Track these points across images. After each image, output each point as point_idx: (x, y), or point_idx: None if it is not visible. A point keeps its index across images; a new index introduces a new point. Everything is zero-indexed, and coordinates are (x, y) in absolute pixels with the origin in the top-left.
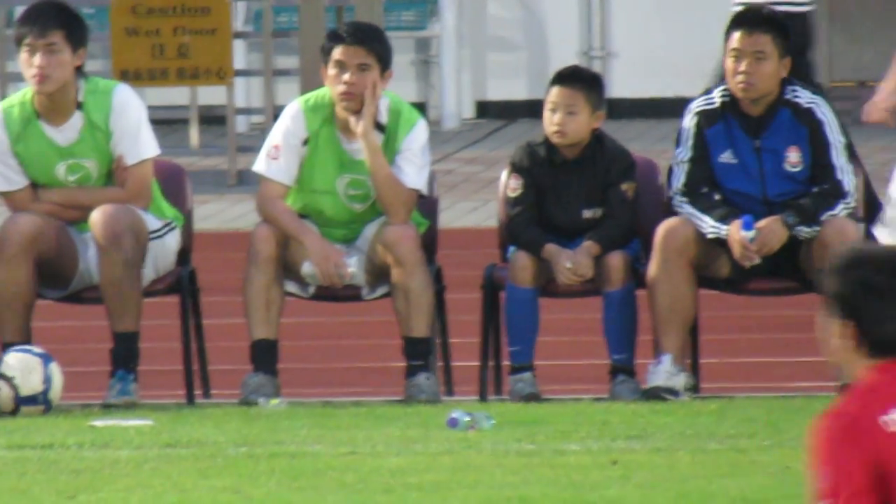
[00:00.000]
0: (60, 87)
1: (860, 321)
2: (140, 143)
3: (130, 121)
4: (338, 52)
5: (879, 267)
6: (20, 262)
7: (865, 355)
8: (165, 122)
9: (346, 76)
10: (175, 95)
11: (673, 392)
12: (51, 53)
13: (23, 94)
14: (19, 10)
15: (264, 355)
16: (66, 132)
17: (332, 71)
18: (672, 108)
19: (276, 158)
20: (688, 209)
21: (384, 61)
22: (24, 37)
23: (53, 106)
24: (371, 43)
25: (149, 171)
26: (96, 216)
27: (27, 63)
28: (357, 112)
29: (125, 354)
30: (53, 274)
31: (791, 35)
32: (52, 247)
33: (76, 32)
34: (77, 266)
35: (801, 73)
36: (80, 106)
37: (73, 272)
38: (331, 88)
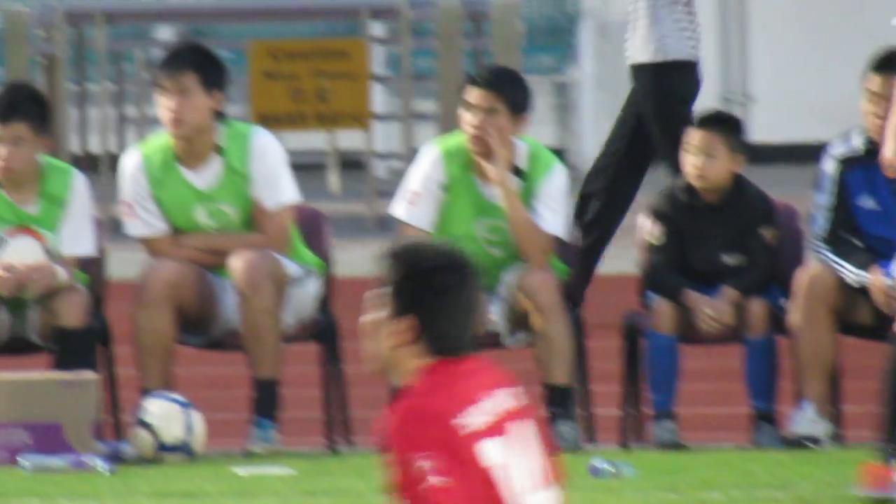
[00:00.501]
0: (197, 130)
1: (420, 317)
2: (280, 188)
3: (270, 165)
4: (470, 96)
5: (440, 262)
6: (161, 308)
7: (424, 353)
8: (304, 168)
9: (474, 119)
10: (314, 140)
11: (815, 440)
12: (184, 96)
13: (163, 138)
14: (157, 54)
15: None
16: (206, 176)
17: (463, 114)
18: (812, 152)
19: (414, 203)
20: (829, 256)
21: (515, 106)
22: (158, 80)
23: (192, 150)
24: (500, 87)
25: (289, 217)
26: (236, 262)
27: (162, 107)
28: (486, 156)
29: (266, 402)
30: (194, 320)
31: None
32: (193, 293)
33: (211, 75)
34: (217, 312)
35: None
36: (218, 150)
37: (213, 318)
38: (464, 132)
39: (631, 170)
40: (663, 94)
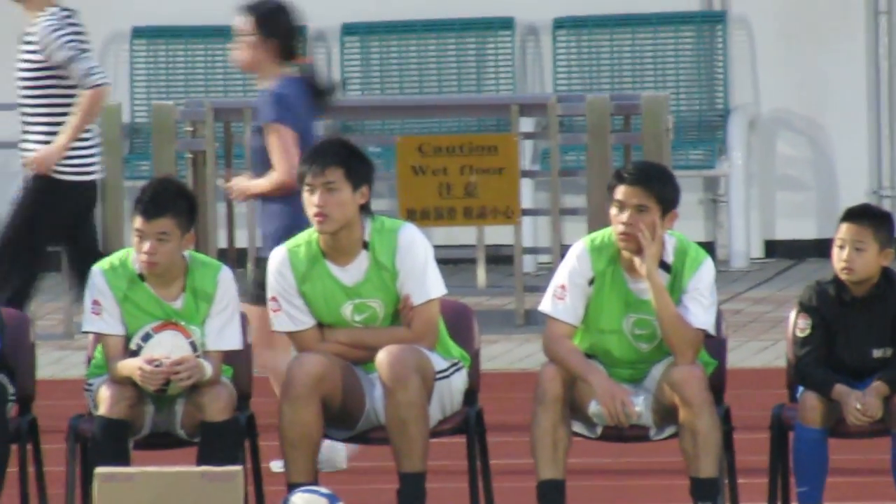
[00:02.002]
0: (343, 226)
1: None
2: (427, 283)
3: (417, 260)
4: (619, 192)
5: None
6: (307, 402)
7: None
8: (452, 262)
9: (624, 216)
10: (462, 235)
11: None
12: (329, 192)
13: (309, 233)
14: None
15: (551, 495)
16: (352, 272)
17: (613, 210)
18: None
19: (562, 298)
20: None
21: (666, 202)
22: (304, 175)
23: (339, 245)
24: (651, 184)
25: (435, 311)
26: (382, 357)
27: (308, 202)
28: (636, 252)
29: (412, 495)
30: (340, 414)
31: None
32: (339, 387)
33: (357, 170)
34: (364, 406)
35: None
36: (366, 245)
37: (359, 412)
38: (613, 228)
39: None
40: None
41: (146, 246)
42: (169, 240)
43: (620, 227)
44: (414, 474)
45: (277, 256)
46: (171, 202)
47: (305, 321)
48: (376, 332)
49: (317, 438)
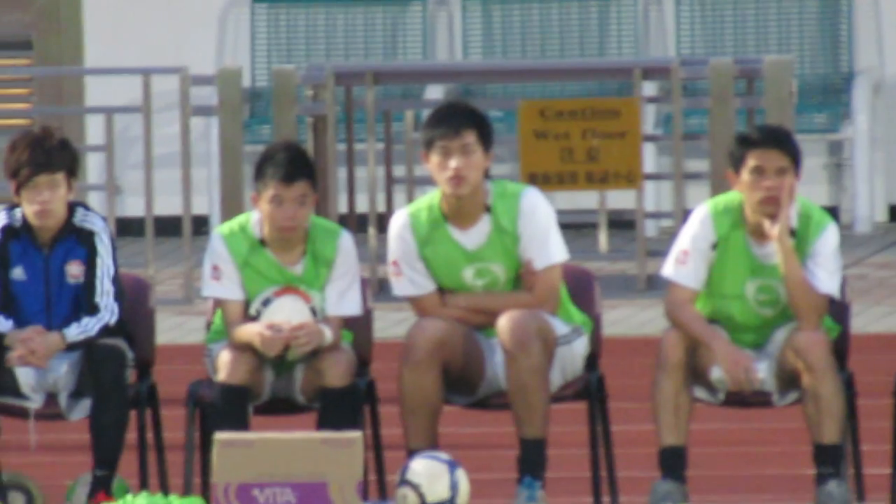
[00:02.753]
0: (475, 189)
1: None
2: (549, 248)
3: (539, 225)
4: (755, 157)
5: None
6: (427, 368)
7: None
8: (574, 227)
9: (767, 182)
10: (583, 199)
11: None
12: (466, 154)
13: (430, 197)
14: (426, 114)
15: (673, 462)
16: (474, 236)
17: (748, 177)
18: None
19: (684, 263)
20: None
21: (797, 165)
22: (436, 139)
23: (462, 209)
24: (788, 146)
25: (557, 276)
26: (504, 322)
27: (440, 166)
28: (774, 216)
29: (532, 461)
30: (460, 380)
31: None
32: (459, 353)
33: (487, 133)
34: (484, 372)
35: None
36: (488, 209)
37: (480, 378)
38: (746, 194)
39: None
40: None
41: (286, 210)
42: (307, 202)
43: (762, 193)
44: (535, 440)
45: (399, 220)
46: (307, 165)
47: (426, 285)
48: (498, 297)
49: (437, 404)
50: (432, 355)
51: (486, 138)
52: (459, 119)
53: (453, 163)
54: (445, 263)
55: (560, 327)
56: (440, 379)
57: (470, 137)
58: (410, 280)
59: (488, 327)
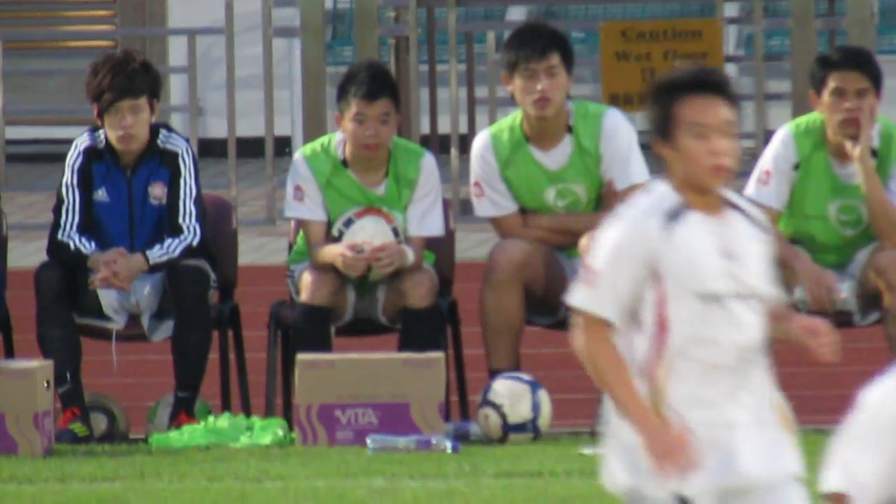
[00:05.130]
0: (556, 110)
1: None
2: (630, 168)
3: (621, 146)
4: (836, 79)
5: None
6: (509, 288)
7: None
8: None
9: (847, 103)
10: None
11: None
12: (551, 77)
13: (512, 118)
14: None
15: None
16: (556, 156)
17: (829, 98)
18: None
19: (766, 183)
20: None
21: (879, 85)
22: (520, 61)
23: (544, 130)
24: (869, 67)
25: None
26: (585, 242)
27: (524, 88)
28: (855, 137)
29: None
30: (542, 300)
31: None
32: (541, 273)
33: (570, 54)
34: (566, 292)
35: None
36: (570, 130)
37: (562, 299)
38: (827, 115)
39: None
40: None
41: (369, 128)
42: (389, 121)
43: (843, 114)
44: None
45: (481, 141)
46: (389, 84)
47: (508, 206)
48: (580, 217)
49: (519, 325)
50: (514, 276)
51: (568, 60)
52: (544, 41)
53: (539, 85)
54: (527, 184)
55: None
56: (522, 300)
57: (554, 59)
58: (492, 201)
59: (570, 248)
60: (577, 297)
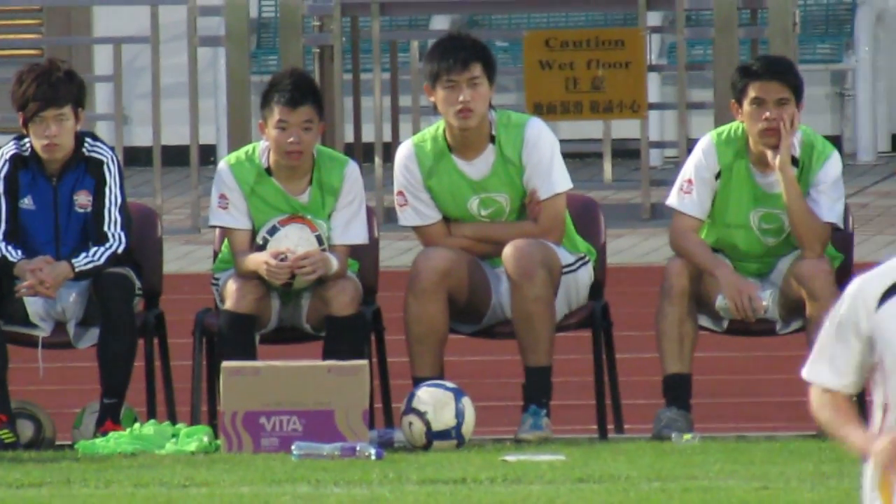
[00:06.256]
0: (479, 121)
1: None
2: (553, 177)
3: (544, 154)
4: (756, 89)
5: None
6: (433, 297)
7: None
8: (578, 156)
9: (767, 113)
10: (588, 129)
11: None
12: (473, 87)
13: (435, 128)
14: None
15: (677, 389)
16: (479, 166)
17: (749, 107)
18: None
19: (688, 192)
20: None
21: (800, 94)
22: (442, 72)
23: (467, 140)
24: (788, 76)
25: (562, 206)
26: (509, 251)
27: (447, 99)
28: (775, 147)
29: (537, 389)
30: (466, 309)
31: None
32: (465, 282)
33: (492, 64)
34: (490, 301)
35: None
36: (493, 140)
37: (485, 307)
38: (747, 124)
39: None
40: None
41: (291, 136)
42: (312, 128)
43: (763, 124)
44: (540, 368)
45: (404, 151)
46: (312, 91)
47: (432, 215)
48: (503, 227)
49: (443, 333)
50: (438, 284)
51: (490, 70)
52: (466, 52)
53: (462, 96)
54: (451, 194)
55: (565, 256)
56: (446, 308)
57: (476, 70)
58: (416, 210)
59: (493, 257)
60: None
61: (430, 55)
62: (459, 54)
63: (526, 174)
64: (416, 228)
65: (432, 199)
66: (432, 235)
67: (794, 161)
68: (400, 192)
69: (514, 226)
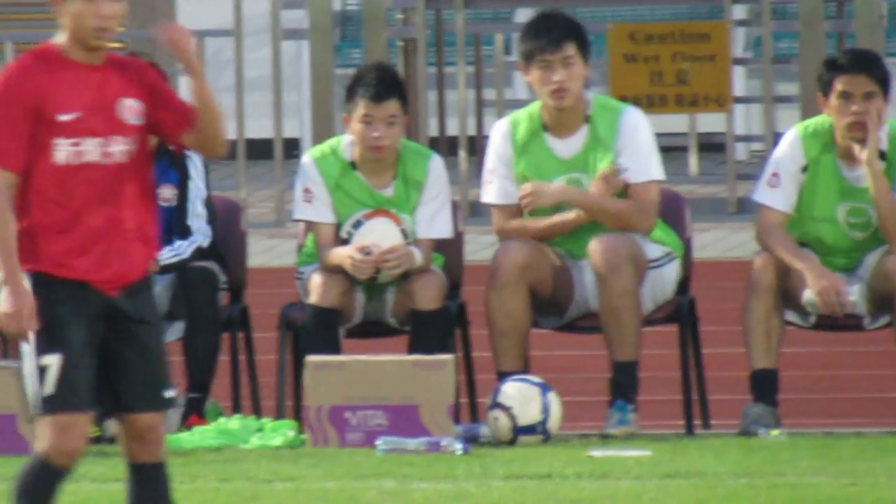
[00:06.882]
0: (574, 100)
1: None
2: (650, 164)
3: (642, 140)
4: (843, 82)
5: None
6: (514, 290)
7: None
8: (664, 150)
9: (854, 106)
10: (673, 122)
11: None
12: (567, 67)
13: (530, 107)
14: (517, 37)
15: (764, 385)
16: (570, 144)
17: (836, 101)
18: None
19: (775, 186)
20: None
21: (887, 88)
22: (535, 52)
23: (562, 119)
24: (875, 70)
25: (655, 193)
26: (595, 245)
27: (541, 79)
28: (862, 141)
29: (624, 384)
30: (549, 302)
31: None
32: (546, 275)
33: (586, 43)
34: (573, 294)
35: None
36: (587, 119)
37: (568, 300)
38: (834, 118)
39: None
40: None
41: (376, 130)
42: (397, 123)
43: (850, 118)
44: (627, 363)
45: (500, 128)
46: (397, 85)
47: (512, 198)
48: (605, 200)
49: (525, 327)
50: (518, 278)
51: (584, 48)
52: (559, 31)
53: (556, 76)
54: (538, 172)
55: (651, 251)
56: (527, 301)
57: (570, 49)
58: (502, 188)
59: (577, 250)
60: None
61: (523, 35)
62: (552, 34)
63: (620, 158)
64: (497, 208)
65: (517, 183)
66: (505, 216)
67: (882, 155)
68: (490, 170)
69: (610, 201)
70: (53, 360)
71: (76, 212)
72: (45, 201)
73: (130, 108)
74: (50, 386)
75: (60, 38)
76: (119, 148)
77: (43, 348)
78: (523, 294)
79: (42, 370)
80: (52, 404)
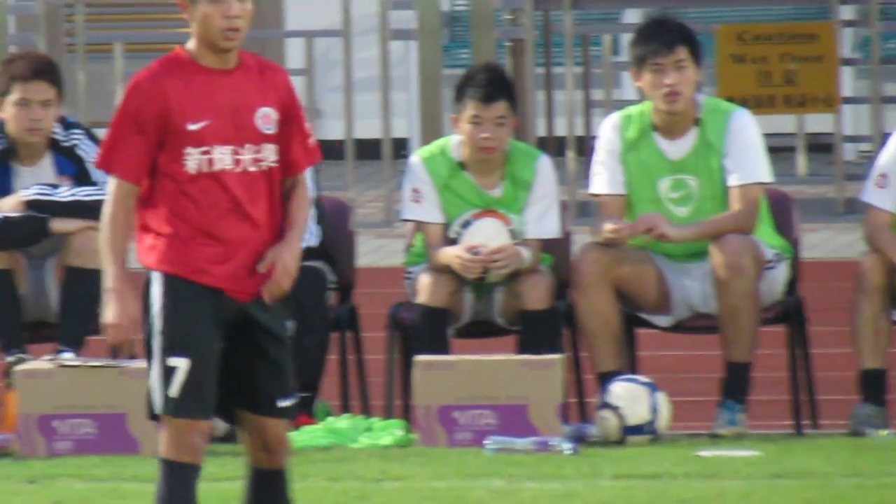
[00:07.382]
0: (686, 104)
1: None
2: (757, 165)
3: (750, 142)
4: None
5: None
6: (597, 290)
7: None
8: (772, 150)
9: None
10: (782, 123)
11: None
12: (680, 70)
13: (641, 107)
14: (624, 38)
15: (873, 385)
16: (680, 146)
17: None
18: None
19: (883, 187)
20: None
21: None
22: (648, 56)
23: (673, 122)
24: None
25: (757, 195)
26: (716, 246)
27: (653, 83)
28: None
29: (736, 384)
30: (652, 303)
31: None
32: (630, 273)
33: (697, 47)
34: (672, 294)
35: None
36: (697, 122)
37: (670, 301)
38: None
39: None
40: None
41: (485, 131)
42: (506, 123)
43: None
44: (741, 364)
45: (611, 121)
46: (506, 86)
47: (621, 188)
48: (709, 223)
49: (615, 325)
50: (600, 278)
51: (696, 52)
52: (671, 35)
53: (668, 79)
54: (645, 172)
55: (766, 252)
56: (613, 300)
57: (682, 53)
58: (610, 178)
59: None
60: None
61: (635, 40)
62: (664, 37)
63: (727, 160)
64: (600, 198)
65: (622, 174)
66: (614, 207)
67: None
68: (599, 162)
69: (715, 220)
70: (181, 364)
71: (215, 219)
72: (183, 209)
73: (265, 116)
74: (175, 389)
75: (191, 44)
76: (251, 156)
77: (172, 349)
78: (608, 292)
79: (169, 371)
80: (175, 408)
